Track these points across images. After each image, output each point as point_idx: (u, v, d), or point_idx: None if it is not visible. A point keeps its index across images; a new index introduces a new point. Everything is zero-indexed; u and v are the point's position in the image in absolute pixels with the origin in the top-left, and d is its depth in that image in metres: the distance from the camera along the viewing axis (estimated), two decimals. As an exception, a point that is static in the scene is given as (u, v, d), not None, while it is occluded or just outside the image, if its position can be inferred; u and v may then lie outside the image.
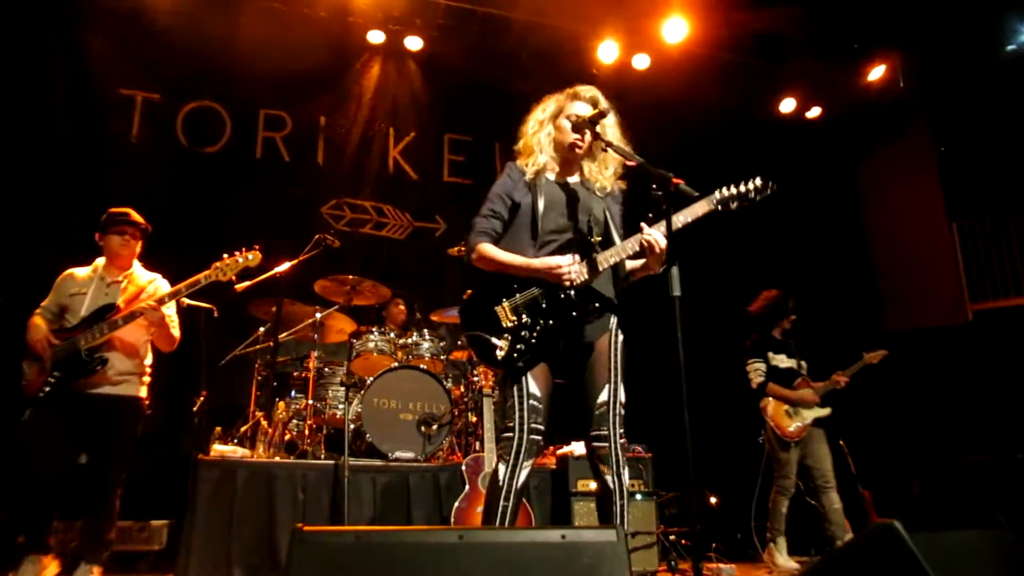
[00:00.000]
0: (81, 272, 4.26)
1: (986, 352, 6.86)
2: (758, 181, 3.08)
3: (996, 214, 7.53)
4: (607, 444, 2.92)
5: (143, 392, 4.18)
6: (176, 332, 4.30)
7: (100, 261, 4.28)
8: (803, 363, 5.67)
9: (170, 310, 4.22)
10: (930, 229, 7.80)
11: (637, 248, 2.97)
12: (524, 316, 2.94)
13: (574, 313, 2.96)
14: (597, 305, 3.01)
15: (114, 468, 4.00)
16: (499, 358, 2.91)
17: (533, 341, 2.91)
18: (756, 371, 5.55)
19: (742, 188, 3.07)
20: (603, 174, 3.22)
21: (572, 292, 2.95)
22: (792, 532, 5.59)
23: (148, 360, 4.26)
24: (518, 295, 2.97)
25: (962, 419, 6.80)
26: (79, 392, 3.96)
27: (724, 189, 3.07)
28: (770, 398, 5.53)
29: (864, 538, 2.23)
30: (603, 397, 2.96)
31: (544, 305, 2.95)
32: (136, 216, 4.30)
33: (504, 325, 2.95)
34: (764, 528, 5.56)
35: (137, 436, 4.14)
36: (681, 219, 2.95)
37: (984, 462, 6.55)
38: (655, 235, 2.92)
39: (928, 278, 7.68)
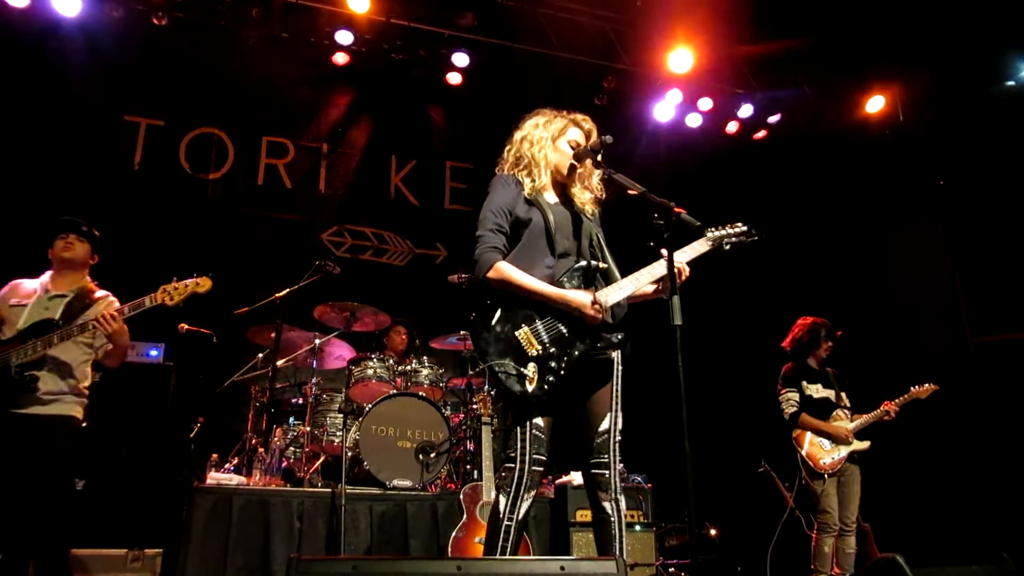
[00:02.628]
0: (28, 284, 4.07)
1: (986, 385, 6.84)
2: (742, 227, 3.18)
3: (997, 248, 7.52)
4: (607, 472, 2.90)
5: (78, 412, 3.90)
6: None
7: (49, 274, 4.09)
8: (843, 394, 5.49)
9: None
10: (930, 262, 7.80)
11: (655, 277, 2.96)
12: (550, 345, 2.86)
13: (599, 344, 2.91)
14: (620, 337, 2.96)
15: (51, 492, 3.71)
16: (529, 390, 2.80)
17: (563, 373, 2.83)
18: (788, 401, 5.41)
19: (733, 230, 3.16)
20: (585, 196, 3.23)
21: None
22: (785, 561, 5.54)
23: (86, 381, 3.98)
24: (539, 322, 2.89)
25: (963, 452, 6.76)
26: (6, 411, 3.70)
27: (717, 229, 3.14)
28: (803, 429, 5.38)
29: (868, 573, 2.21)
30: (605, 425, 2.94)
31: (568, 334, 2.88)
32: (80, 221, 4.11)
33: (529, 353, 2.84)
34: (778, 563, 5.47)
35: (73, 458, 3.86)
36: (684, 257, 3.00)
37: (986, 497, 6.50)
38: (682, 262, 2.94)
39: (929, 310, 7.67)
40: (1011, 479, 6.38)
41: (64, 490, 3.79)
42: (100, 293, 4.17)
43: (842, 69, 8.25)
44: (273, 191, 7.65)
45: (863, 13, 7.44)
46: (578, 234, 3.09)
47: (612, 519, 2.87)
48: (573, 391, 2.98)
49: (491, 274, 2.92)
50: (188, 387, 5.89)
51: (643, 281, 2.97)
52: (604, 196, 3.28)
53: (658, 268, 2.94)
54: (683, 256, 2.99)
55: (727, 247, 3.11)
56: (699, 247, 3.05)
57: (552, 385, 2.81)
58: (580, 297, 2.86)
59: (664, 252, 2.86)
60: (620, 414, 2.99)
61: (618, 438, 2.95)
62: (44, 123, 6.78)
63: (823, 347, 5.50)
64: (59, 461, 3.79)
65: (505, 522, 2.79)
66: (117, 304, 4.17)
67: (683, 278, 2.94)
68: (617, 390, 3.00)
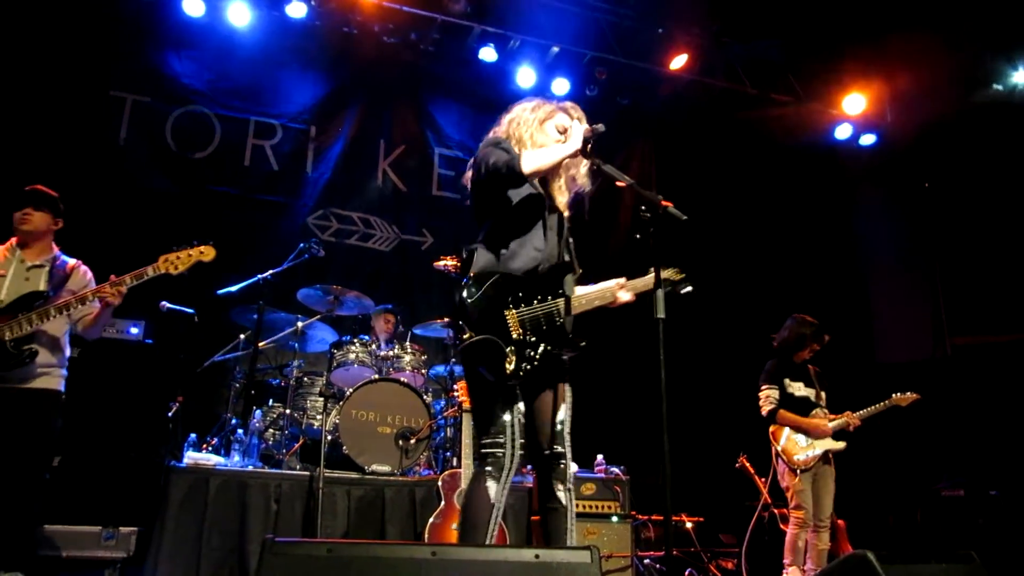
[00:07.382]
0: None
1: (963, 387, 6.92)
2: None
3: (977, 251, 7.60)
4: (564, 461, 2.92)
5: (61, 386, 3.92)
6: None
7: (14, 241, 4.01)
8: (823, 394, 5.50)
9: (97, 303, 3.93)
10: (913, 264, 7.87)
11: (613, 294, 3.09)
12: (529, 333, 2.85)
13: (563, 344, 2.92)
14: (582, 343, 2.98)
15: (32, 466, 3.73)
16: (508, 371, 2.78)
17: (536, 363, 2.83)
18: (767, 398, 5.41)
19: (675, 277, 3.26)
20: (562, 200, 3.18)
21: (564, 321, 2.92)
22: (761, 555, 5.59)
23: (68, 353, 3.99)
24: (524, 308, 2.86)
25: (937, 453, 6.85)
26: None
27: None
28: (780, 425, 5.38)
29: (838, 568, 2.24)
30: (561, 415, 2.95)
31: (545, 327, 2.87)
32: (42, 188, 4.03)
33: (512, 335, 2.82)
34: (754, 556, 5.52)
35: (56, 432, 3.87)
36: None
37: (957, 496, 6.59)
38: (627, 297, 3.13)
39: (909, 313, 7.74)
40: (982, 480, 6.48)
41: (42, 464, 3.79)
42: (72, 261, 4.11)
43: (829, 69, 8.30)
44: (259, 172, 7.58)
45: (857, 14, 7.48)
46: (561, 230, 3.09)
47: (567, 509, 2.87)
48: (538, 381, 2.97)
49: (526, 167, 2.86)
50: (168, 366, 5.84)
51: (610, 295, 3.12)
52: (590, 190, 3.23)
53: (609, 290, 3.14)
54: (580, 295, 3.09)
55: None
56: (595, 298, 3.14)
57: (527, 372, 2.81)
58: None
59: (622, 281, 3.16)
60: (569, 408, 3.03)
61: (568, 429, 2.97)
62: (28, 94, 6.67)
63: (807, 349, 5.51)
64: (43, 435, 3.79)
65: (496, 507, 2.79)
66: (88, 270, 4.12)
67: (616, 303, 3.13)
68: (567, 385, 3.02)
